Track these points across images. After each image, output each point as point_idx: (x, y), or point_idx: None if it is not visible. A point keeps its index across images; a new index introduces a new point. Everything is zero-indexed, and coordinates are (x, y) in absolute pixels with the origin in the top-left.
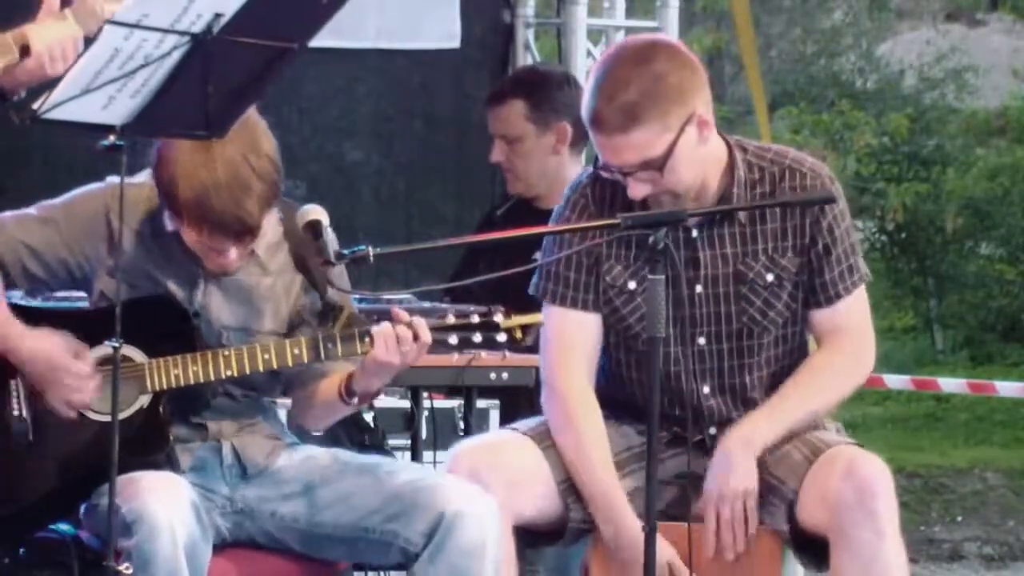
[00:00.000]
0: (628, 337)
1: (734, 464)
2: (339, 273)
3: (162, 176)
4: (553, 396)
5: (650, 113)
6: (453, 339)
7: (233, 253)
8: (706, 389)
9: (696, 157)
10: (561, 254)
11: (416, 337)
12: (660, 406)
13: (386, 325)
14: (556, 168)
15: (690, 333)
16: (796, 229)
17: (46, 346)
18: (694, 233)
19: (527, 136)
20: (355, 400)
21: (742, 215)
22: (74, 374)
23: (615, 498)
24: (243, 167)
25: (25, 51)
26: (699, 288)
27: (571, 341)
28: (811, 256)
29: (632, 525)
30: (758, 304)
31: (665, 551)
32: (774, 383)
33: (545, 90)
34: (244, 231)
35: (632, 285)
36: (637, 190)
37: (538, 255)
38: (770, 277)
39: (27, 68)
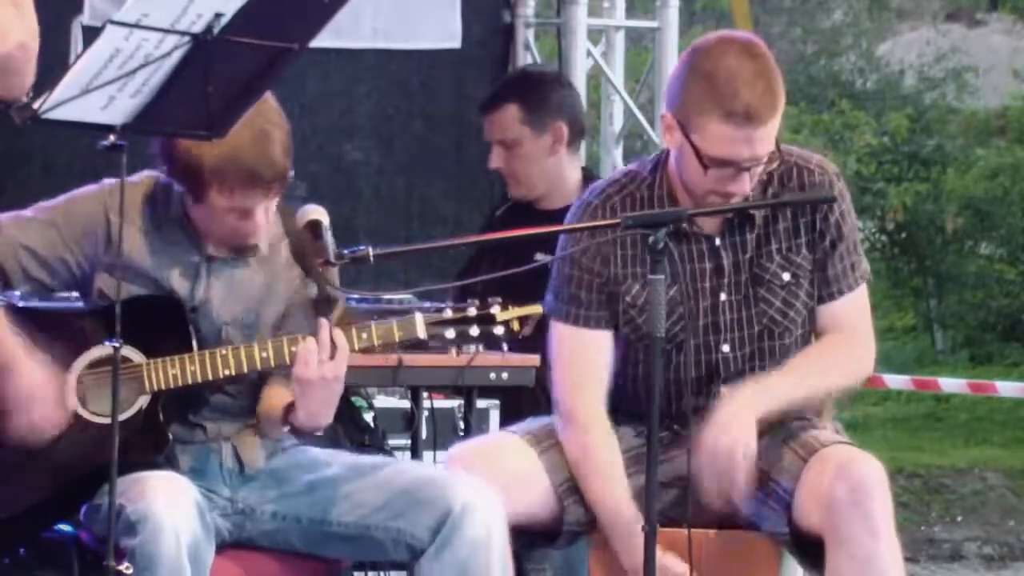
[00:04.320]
0: (642, 347)
1: (734, 415)
2: (331, 274)
3: (179, 155)
4: (570, 425)
5: (782, 98)
6: (450, 333)
7: (260, 214)
8: (723, 391)
9: None
10: (573, 271)
11: (334, 346)
12: (667, 406)
13: (309, 340)
14: (556, 168)
15: (715, 341)
16: (807, 225)
17: (30, 374)
18: (716, 242)
19: (524, 139)
20: (286, 429)
21: (758, 218)
22: (44, 411)
23: (638, 532)
24: (258, 119)
25: None
26: (723, 296)
27: (584, 362)
28: (819, 251)
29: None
30: (777, 304)
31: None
32: None
33: (538, 91)
34: (274, 179)
35: None
36: (747, 185)
37: (540, 256)
38: (786, 276)
39: None
